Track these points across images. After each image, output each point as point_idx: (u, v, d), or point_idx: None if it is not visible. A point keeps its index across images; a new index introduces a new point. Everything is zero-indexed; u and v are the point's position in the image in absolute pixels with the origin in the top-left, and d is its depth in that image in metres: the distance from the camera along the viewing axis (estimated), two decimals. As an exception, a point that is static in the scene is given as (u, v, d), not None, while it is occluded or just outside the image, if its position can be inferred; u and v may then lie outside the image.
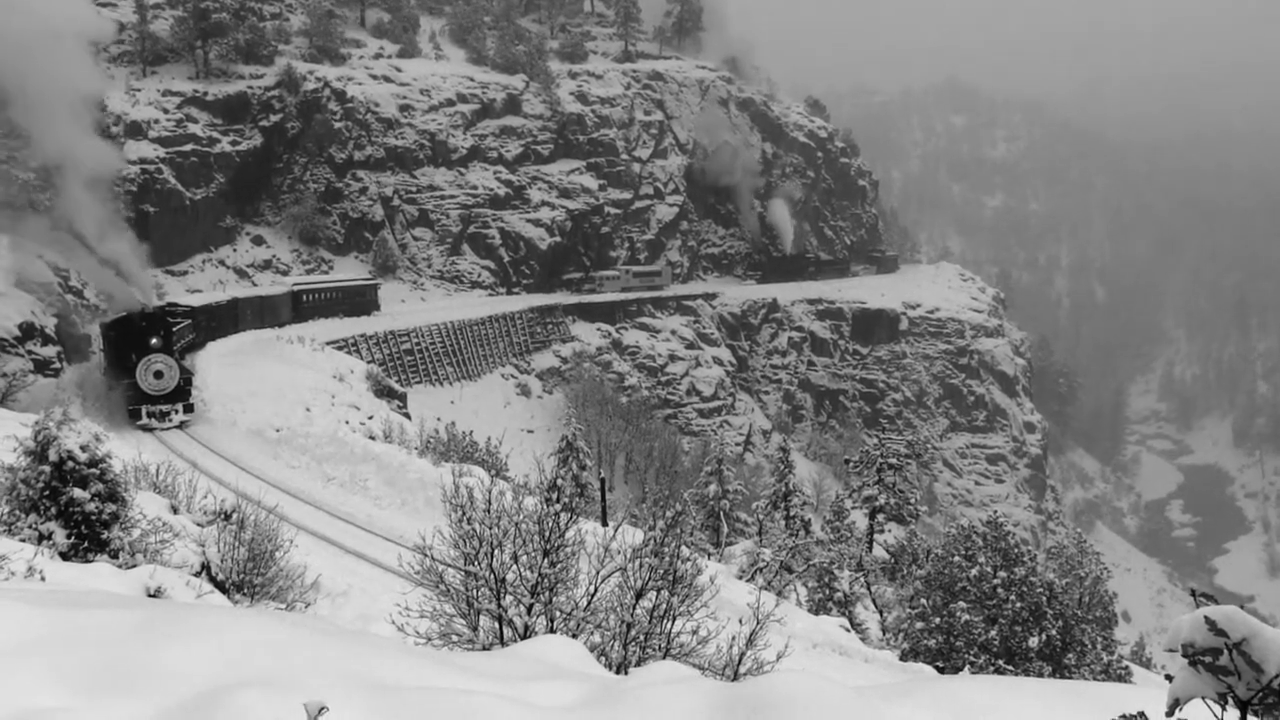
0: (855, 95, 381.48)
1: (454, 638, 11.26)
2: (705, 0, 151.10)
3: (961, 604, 25.90)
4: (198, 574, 14.13)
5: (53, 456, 12.73)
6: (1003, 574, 25.87)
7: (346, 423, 46.66)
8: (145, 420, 44.18)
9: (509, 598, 11.13)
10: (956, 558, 27.04)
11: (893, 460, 49.24)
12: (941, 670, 24.34)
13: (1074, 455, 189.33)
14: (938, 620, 26.13)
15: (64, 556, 12.43)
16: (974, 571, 26.16)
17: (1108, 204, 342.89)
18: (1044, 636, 25.51)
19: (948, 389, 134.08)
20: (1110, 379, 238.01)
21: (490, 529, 10.95)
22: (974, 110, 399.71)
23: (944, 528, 76.19)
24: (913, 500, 50.45)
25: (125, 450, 31.83)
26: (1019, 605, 25.48)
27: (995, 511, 31.18)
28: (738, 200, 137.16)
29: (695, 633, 11.93)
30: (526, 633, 11.08)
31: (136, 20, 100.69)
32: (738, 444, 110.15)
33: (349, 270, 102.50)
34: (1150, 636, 78.60)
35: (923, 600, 27.01)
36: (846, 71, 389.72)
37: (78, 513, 12.81)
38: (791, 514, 49.58)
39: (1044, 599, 25.75)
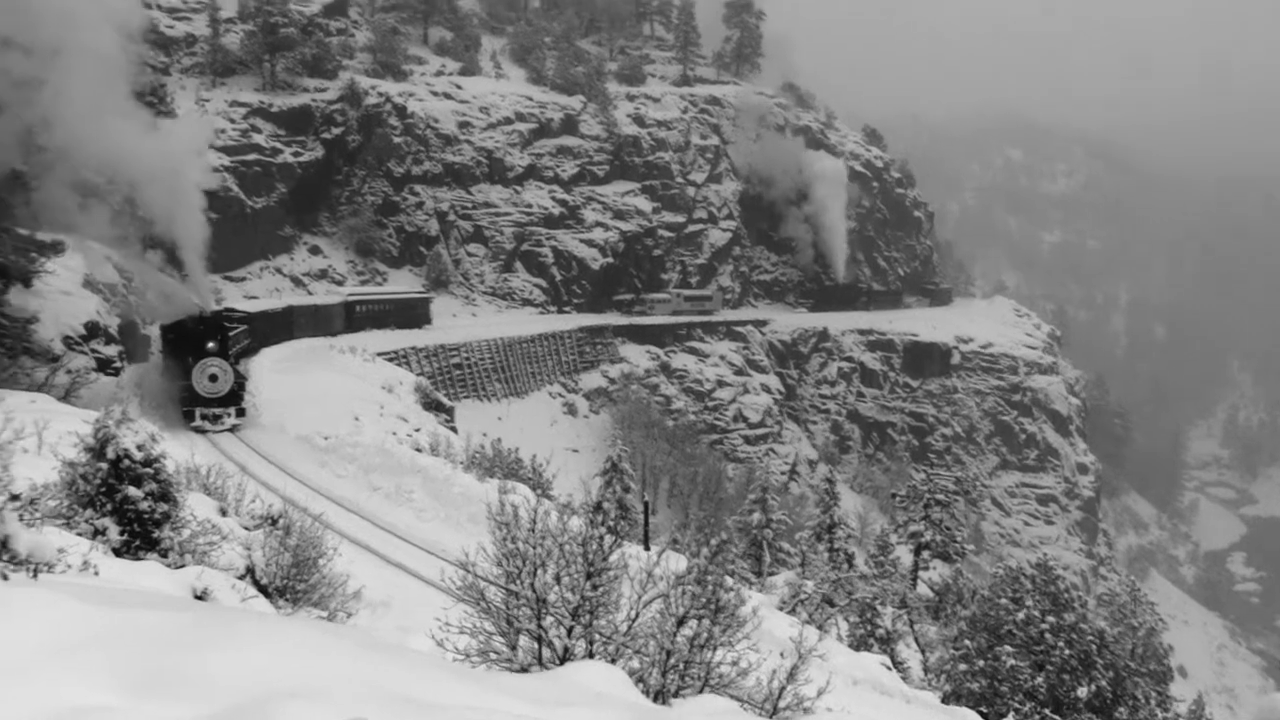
0: (913, 125, 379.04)
1: (492, 655, 11.24)
2: (765, 27, 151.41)
3: (1007, 648, 25.44)
4: (242, 577, 14.24)
5: (110, 454, 12.88)
6: (1051, 619, 25.33)
7: (394, 434, 46.90)
8: (198, 422, 44.67)
9: (549, 618, 11.10)
10: (1003, 599, 26.56)
11: (940, 496, 48.71)
12: (985, 716, 23.95)
13: (1128, 499, 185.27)
14: (982, 663, 25.68)
15: (116, 553, 12.57)
16: (1021, 615, 25.66)
17: (1169, 242, 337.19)
18: (1094, 687, 24.93)
19: (999, 426, 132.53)
20: (1168, 422, 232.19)
21: (534, 548, 10.94)
22: (1032, 144, 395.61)
23: (991, 568, 75.32)
24: (959, 538, 49.83)
25: (178, 450, 32.11)
26: (1068, 653, 24.91)
27: (1044, 554, 30.72)
28: (791, 227, 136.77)
29: (736, 664, 11.83)
30: (566, 654, 11.04)
31: (209, 33, 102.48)
32: (783, 473, 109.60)
33: (402, 283, 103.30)
34: (1210, 695, 76.23)
35: (967, 641, 26.56)
36: (904, 102, 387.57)
37: (131, 510, 12.95)
38: (835, 547, 49.22)
39: (1094, 647, 25.16)
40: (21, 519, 6.45)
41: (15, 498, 7.01)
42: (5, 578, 5.69)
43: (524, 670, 10.81)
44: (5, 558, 5.91)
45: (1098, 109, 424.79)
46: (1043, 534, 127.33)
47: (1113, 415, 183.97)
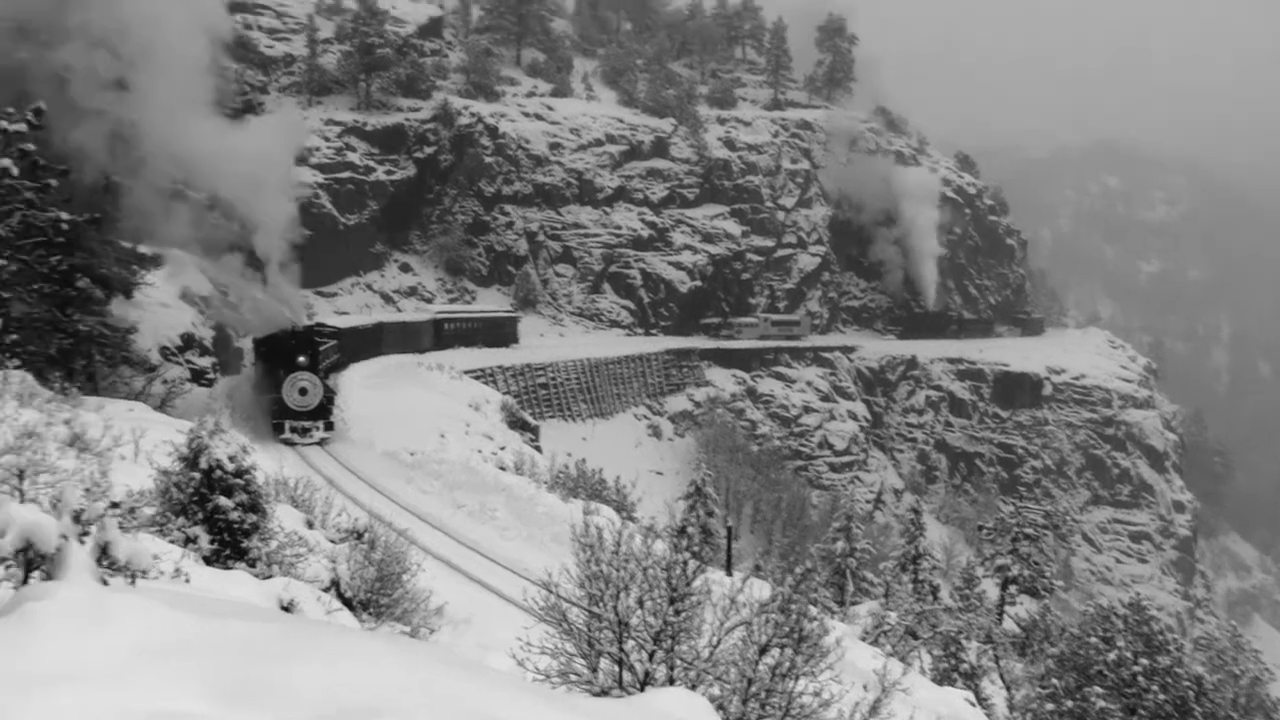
0: (1006, 152, 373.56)
1: (573, 677, 11.17)
2: (857, 52, 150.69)
3: (1097, 689, 24.67)
4: (327, 589, 14.36)
5: (203, 464, 13.09)
6: (1144, 661, 24.52)
7: (479, 451, 47.22)
8: (288, 434, 45.32)
9: (631, 642, 11.01)
10: (1093, 639, 25.81)
11: (1029, 530, 47.73)
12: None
13: (1228, 540, 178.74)
14: (1070, 704, 24.94)
15: (206, 561, 12.75)
16: (1112, 655, 24.89)
17: (1275, 275, 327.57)
18: (1191, 737, 24.09)
19: (1090, 460, 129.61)
20: (1272, 461, 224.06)
21: (618, 571, 10.86)
22: (1130, 171, 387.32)
23: (1080, 605, 73.59)
24: (1048, 573, 48.72)
25: (268, 462, 32.62)
26: (1162, 698, 24.04)
27: (1137, 593, 29.78)
28: (880, 250, 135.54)
29: (818, 695, 11.62)
30: (646, 678, 10.93)
31: (307, 54, 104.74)
32: (868, 501, 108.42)
33: (491, 302, 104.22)
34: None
35: (1054, 680, 25.85)
36: (999, 128, 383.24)
37: (221, 520, 13.14)
38: (920, 578, 48.44)
39: (1192, 694, 24.24)
40: (121, 526, 6.53)
41: (116, 505, 7.12)
42: (105, 583, 5.76)
43: (604, 693, 10.72)
44: (105, 563, 5.98)
45: (1199, 137, 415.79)
46: (1135, 572, 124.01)
47: (1212, 453, 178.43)
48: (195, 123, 46.31)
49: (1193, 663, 28.52)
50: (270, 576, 12.98)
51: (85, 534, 5.90)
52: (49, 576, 5.42)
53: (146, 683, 4.91)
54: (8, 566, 5.33)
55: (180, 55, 45.67)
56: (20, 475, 10.74)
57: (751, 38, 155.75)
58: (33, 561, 5.32)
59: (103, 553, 5.81)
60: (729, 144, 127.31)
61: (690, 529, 42.32)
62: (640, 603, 10.97)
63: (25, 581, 5.51)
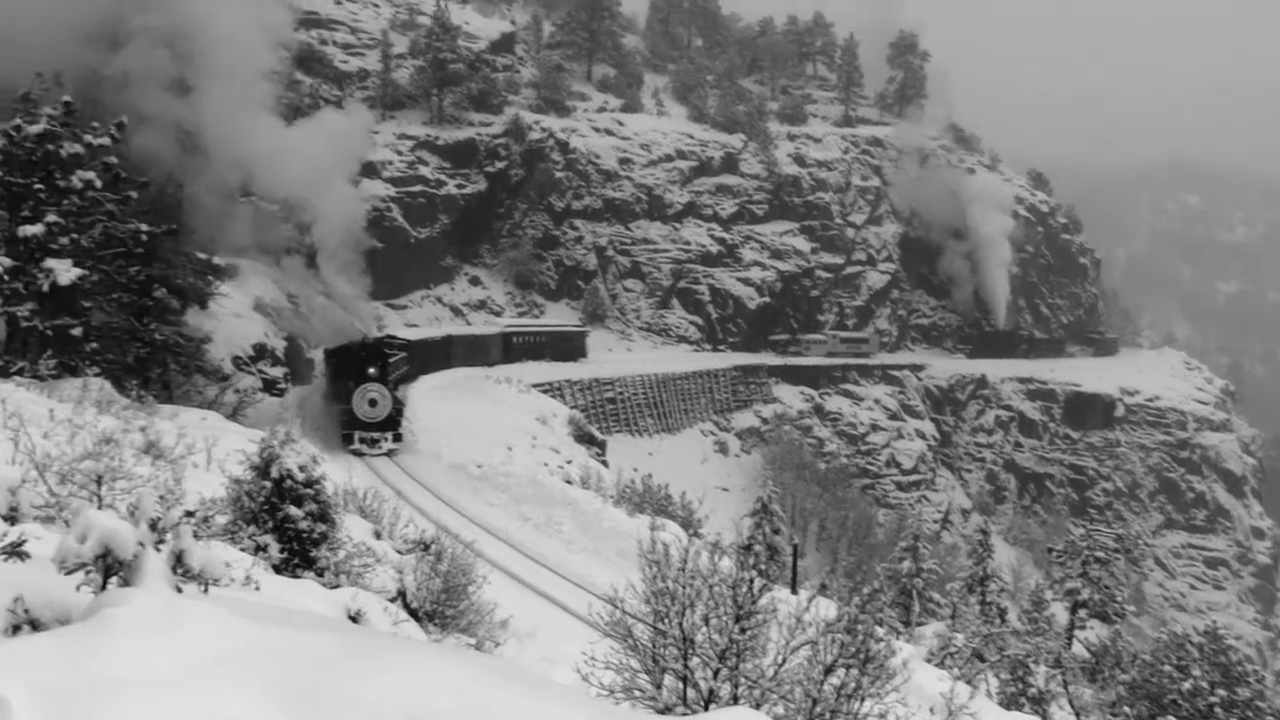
0: (1081, 170, 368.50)
1: (636, 693, 11.14)
2: (929, 68, 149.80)
3: (1171, 719, 24.18)
4: (394, 600, 14.46)
5: (274, 474, 13.26)
6: (1222, 692, 23.91)
7: (545, 465, 47.36)
8: (356, 445, 45.80)
9: (696, 659, 10.96)
10: (1167, 667, 25.25)
11: (1100, 553, 46.80)
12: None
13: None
14: (1142, 733, 24.49)
15: (276, 569, 12.89)
16: (1187, 685, 24.31)
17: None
18: (1273, 773, 23.48)
19: (1164, 483, 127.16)
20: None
21: (684, 588, 10.82)
22: (1208, 190, 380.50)
23: (1153, 631, 72.23)
24: (1119, 598, 47.71)
25: (337, 472, 33.00)
26: (1242, 733, 23.51)
27: (1214, 621, 29.08)
28: (949, 262, 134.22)
29: (883, 717, 11.49)
30: (710, 696, 10.87)
31: (380, 69, 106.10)
32: (935, 521, 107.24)
33: (559, 316, 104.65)
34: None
35: (1126, 708, 25.34)
36: (1073, 145, 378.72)
37: (291, 529, 13.29)
38: (988, 600, 47.69)
39: (1276, 731, 23.70)
40: (195, 535, 6.62)
41: (190, 514, 7.23)
42: (179, 590, 5.84)
43: (668, 710, 10.67)
44: (179, 571, 6.06)
45: (1276, 154, 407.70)
46: (1211, 599, 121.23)
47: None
48: (256, 124, 46.79)
49: (1276, 696, 27.77)
50: (338, 586, 13.11)
51: (161, 542, 5.99)
52: (126, 583, 5.51)
53: (217, 690, 4.97)
54: (88, 572, 5.44)
55: (241, 56, 46.29)
56: (98, 481, 10.95)
57: (823, 54, 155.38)
58: (111, 568, 5.41)
59: (177, 560, 5.89)
60: (799, 160, 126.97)
61: (756, 546, 42.10)
62: (706, 620, 10.92)
63: (104, 587, 5.62)
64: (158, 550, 5.72)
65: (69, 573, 5.65)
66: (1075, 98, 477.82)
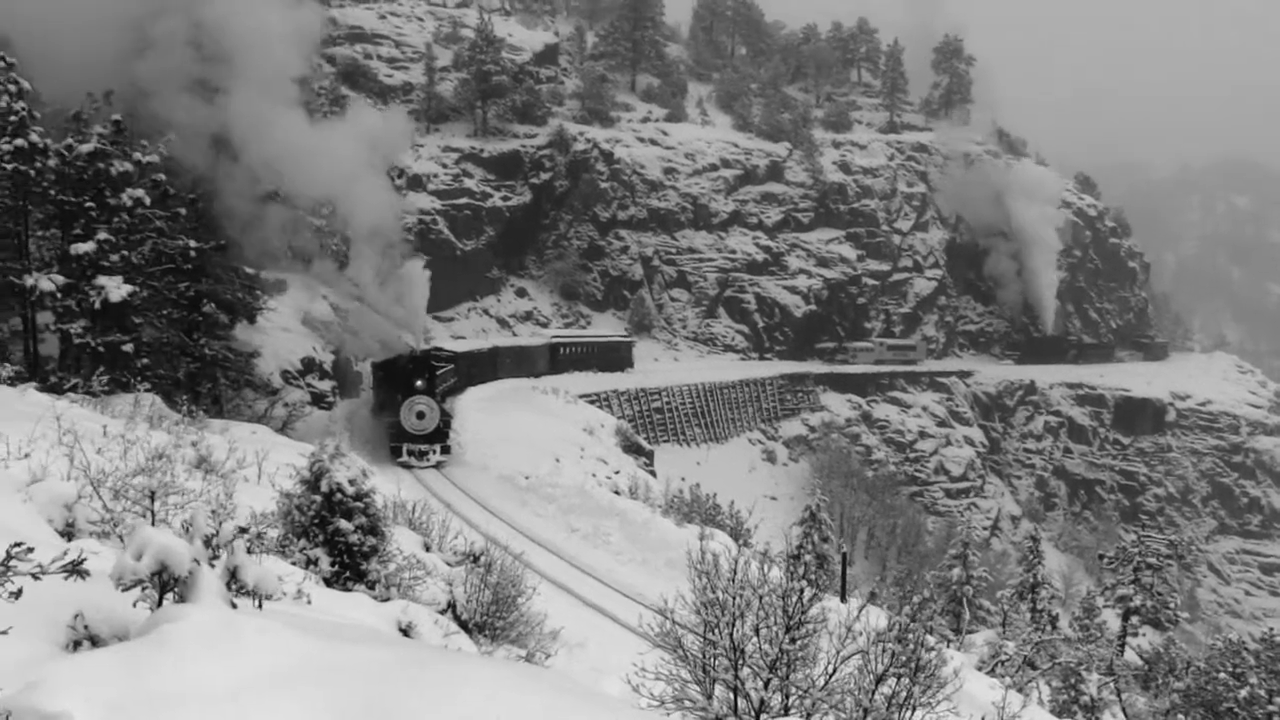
0: (1128, 172, 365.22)
1: (687, 704, 11.10)
2: (974, 72, 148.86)
3: (1227, 726, 23.80)
4: (444, 612, 14.51)
5: (324, 488, 13.34)
6: (1280, 700, 23.61)
7: (593, 475, 47.38)
8: (405, 458, 46.00)
9: (746, 669, 10.92)
10: (1222, 674, 24.89)
11: (1152, 560, 46.21)
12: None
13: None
14: (1199, 740, 24.12)
15: (327, 582, 12.97)
16: (1243, 693, 23.95)
17: None
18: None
19: (1217, 488, 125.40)
20: None
21: (734, 599, 10.79)
22: (1260, 190, 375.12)
23: (1207, 638, 71.05)
24: (1172, 605, 47.07)
25: (386, 485, 33.19)
26: (1303, 741, 23.11)
27: (1271, 628, 28.60)
28: (995, 263, 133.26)
29: (935, 725, 11.41)
30: (761, 706, 10.82)
31: (425, 81, 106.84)
32: (984, 528, 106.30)
33: (606, 326, 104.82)
34: None
35: (1181, 716, 25.02)
36: (1120, 147, 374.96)
37: (342, 543, 13.36)
38: (1038, 607, 47.14)
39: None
40: (249, 550, 6.68)
41: (244, 530, 7.29)
42: (233, 605, 5.90)
43: (720, 720, 10.64)
44: (234, 587, 6.12)
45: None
46: (1267, 606, 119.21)
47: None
48: (282, 122, 46.40)
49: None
50: (389, 599, 13.16)
51: (215, 558, 6.05)
52: (182, 599, 5.57)
53: (273, 705, 5.01)
54: (144, 589, 5.50)
55: (267, 57, 46.22)
56: (151, 496, 11.07)
57: (867, 60, 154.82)
58: (167, 584, 5.47)
59: (232, 576, 5.95)
60: (844, 167, 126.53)
61: (805, 555, 41.91)
62: (756, 630, 10.88)
63: (160, 603, 5.68)
64: (212, 566, 5.77)
65: (126, 589, 5.72)
66: (1121, 100, 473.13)
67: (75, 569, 5.38)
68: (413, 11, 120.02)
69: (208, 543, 6.12)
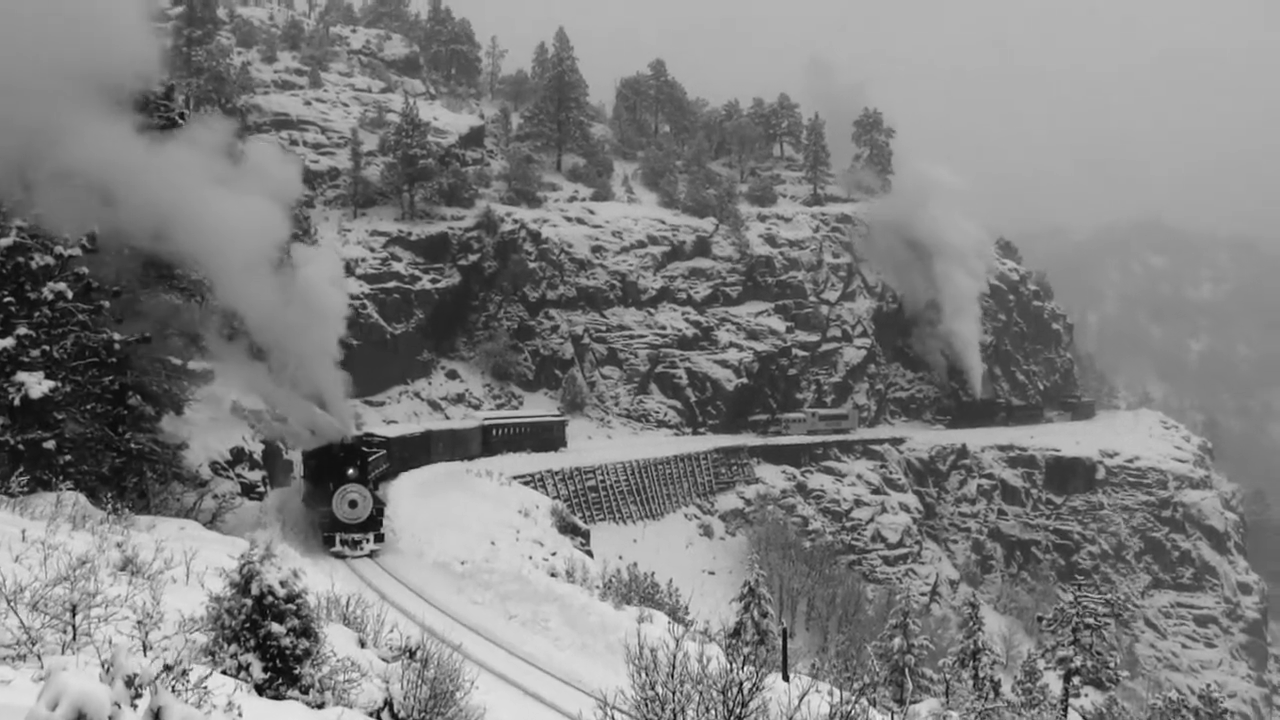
0: (1048, 236, 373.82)
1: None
2: (894, 145, 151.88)
3: (1173, 786, 23.85)
4: (381, 708, 14.19)
5: (254, 590, 13.03)
6: (1221, 756, 23.71)
7: (530, 558, 46.91)
8: (338, 547, 45.24)
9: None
10: (1167, 734, 25.02)
11: (1090, 620, 46.53)
12: None
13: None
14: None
15: (259, 689, 12.62)
16: (1187, 751, 24.09)
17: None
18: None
19: (1149, 543, 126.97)
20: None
21: (674, 694, 10.65)
22: (1176, 250, 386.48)
23: (1148, 694, 71.54)
24: (1112, 664, 47.32)
25: (319, 576, 32.60)
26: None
27: (1209, 683, 28.86)
28: (926, 343, 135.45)
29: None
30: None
31: (351, 166, 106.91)
32: (923, 594, 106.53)
33: (538, 406, 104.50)
34: None
35: (1129, 778, 25.03)
36: (1039, 213, 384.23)
37: (274, 646, 13.03)
38: (980, 674, 47.23)
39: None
40: (174, 690, 6.43)
41: (169, 668, 7.02)
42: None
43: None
44: (157, 731, 5.88)
45: (1244, 212, 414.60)
46: (1203, 658, 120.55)
47: (1277, 531, 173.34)
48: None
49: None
50: (323, 704, 12.82)
51: (138, 697, 5.80)
52: (100, 745, 5.31)
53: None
54: (58, 739, 5.23)
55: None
56: (73, 611, 10.70)
57: (789, 135, 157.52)
58: (84, 731, 5.22)
59: (156, 717, 5.70)
60: (770, 240, 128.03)
61: (744, 632, 41.70)
62: (699, 726, 10.73)
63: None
64: (134, 708, 5.53)
65: (42, 744, 5.41)
66: (1041, 163, 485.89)
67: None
68: (338, 97, 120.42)
69: (130, 682, 5.87)
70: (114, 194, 36.04)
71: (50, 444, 32.13)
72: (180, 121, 43.98)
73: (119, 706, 5.31)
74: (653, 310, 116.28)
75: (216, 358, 50.36)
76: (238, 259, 42.22)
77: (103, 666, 5.83)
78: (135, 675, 5.86)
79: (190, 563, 20.59)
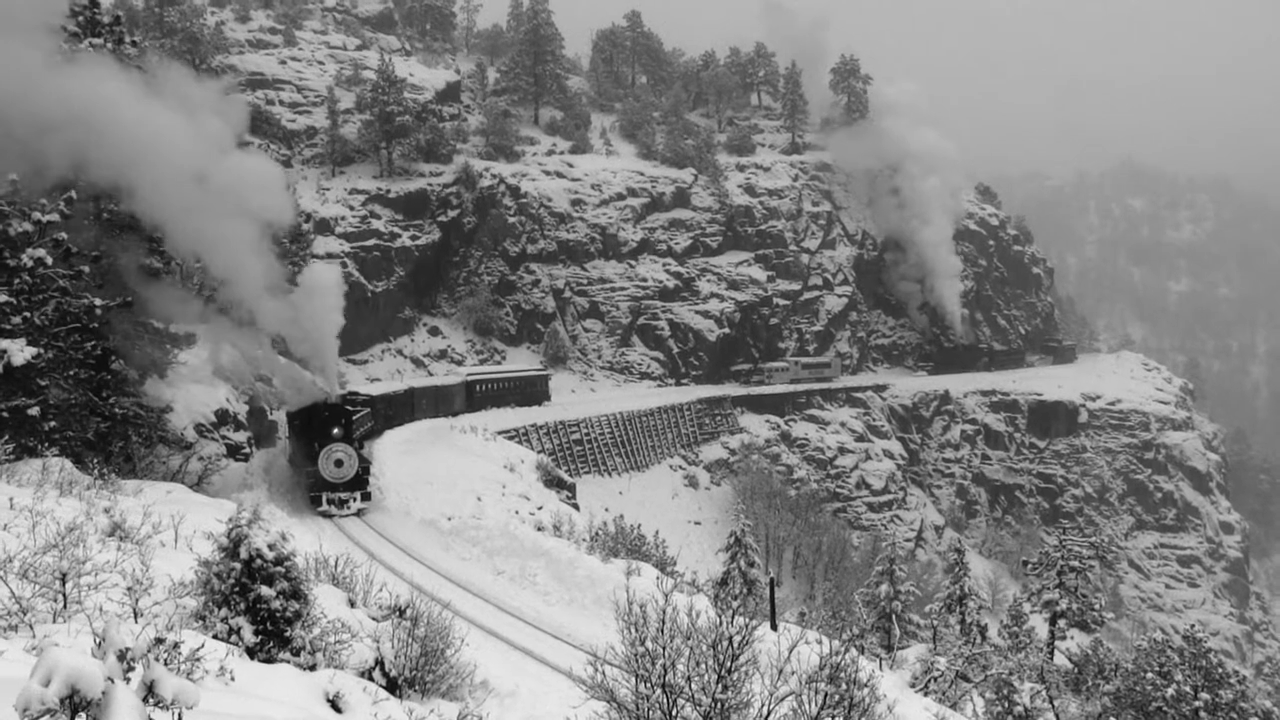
0: (1028, 180, 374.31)
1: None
2: (872, 93, 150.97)
3: (1157, 726, 24.19)
4: (371, 669, 14.32)
5: (243, 554, 13.08)
6: (1205, 696, 23.97)
7: (516, 513, 47.06)
8: (325, 507, 45.33)
9: (681, 718, 10.90)
10: (1149, 674, 25.31)
11: (1074, 562, 46.92)
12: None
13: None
14: (1130, 742, 24.50)
15: (250, 652, 12.72)
16: (1171, 691, 24.35)
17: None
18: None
19: (1132, 485, 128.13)
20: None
21: (664, 649, 10.77)
22: (1155, 192, 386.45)
23: (1133, 635, 72.48)
24: (1097, 605, 47.73)
25: (306, 536, 32.74)
26: (1230, 736, 23.51)
27: (1193, 624, 29.14)
28: (906, 289, 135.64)
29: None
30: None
31: (328, 125, 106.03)
32: (908, 539, 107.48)
33: (521, 361, 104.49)
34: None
35: (1112, 719, 25.41)
36: (1019, 156, 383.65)
37: (264, 610, 13.11)
38: (967, 619, 47.69)
39: (1263, 731, 23.75)
40: (165, 663, 6.51)
41: (160, 640, 7.08)
42: (151, 720, 5.72)
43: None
44: (151, 702, 5.94)
45: (1223, 153, 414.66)
46: (1186, 597, 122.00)
47: (1258, 471, 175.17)
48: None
49: (1258, 694, 27.87)
50: (315, 666, 12.94)
51: (131, 669, 5.87)
52: (96, 721, 5.37)
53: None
54: (54, 715, 5.30)
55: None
56: (63, 578, 10.77)
57: (766, 84, 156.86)
58: (79, 707, 5.28)
59: (149, 691, 5.78)
60: (750, 190, 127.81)
61: (731, 582, 42.04)
62: (688, 679, 10.86)
63: (72, 728, 5.46)
64: (127, 681, 5.61)
65: (35, 720, 5.47)
66: (1020, 106, 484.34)
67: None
68: (313, 56, 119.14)
69: (122, 656, 5.95)
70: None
71: (34, 410, 32.07)
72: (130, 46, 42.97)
73: (112, 681, 5.39)
74: (633, 262, 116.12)
75: (200, 320, 50.12)
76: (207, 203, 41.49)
77: (95, 640, 5.88)
78: (128, 649, 5.93)
79: (178, 527, 20.63)
